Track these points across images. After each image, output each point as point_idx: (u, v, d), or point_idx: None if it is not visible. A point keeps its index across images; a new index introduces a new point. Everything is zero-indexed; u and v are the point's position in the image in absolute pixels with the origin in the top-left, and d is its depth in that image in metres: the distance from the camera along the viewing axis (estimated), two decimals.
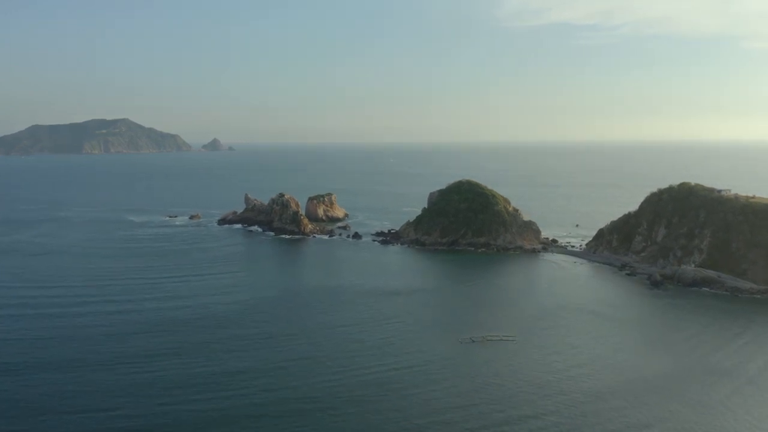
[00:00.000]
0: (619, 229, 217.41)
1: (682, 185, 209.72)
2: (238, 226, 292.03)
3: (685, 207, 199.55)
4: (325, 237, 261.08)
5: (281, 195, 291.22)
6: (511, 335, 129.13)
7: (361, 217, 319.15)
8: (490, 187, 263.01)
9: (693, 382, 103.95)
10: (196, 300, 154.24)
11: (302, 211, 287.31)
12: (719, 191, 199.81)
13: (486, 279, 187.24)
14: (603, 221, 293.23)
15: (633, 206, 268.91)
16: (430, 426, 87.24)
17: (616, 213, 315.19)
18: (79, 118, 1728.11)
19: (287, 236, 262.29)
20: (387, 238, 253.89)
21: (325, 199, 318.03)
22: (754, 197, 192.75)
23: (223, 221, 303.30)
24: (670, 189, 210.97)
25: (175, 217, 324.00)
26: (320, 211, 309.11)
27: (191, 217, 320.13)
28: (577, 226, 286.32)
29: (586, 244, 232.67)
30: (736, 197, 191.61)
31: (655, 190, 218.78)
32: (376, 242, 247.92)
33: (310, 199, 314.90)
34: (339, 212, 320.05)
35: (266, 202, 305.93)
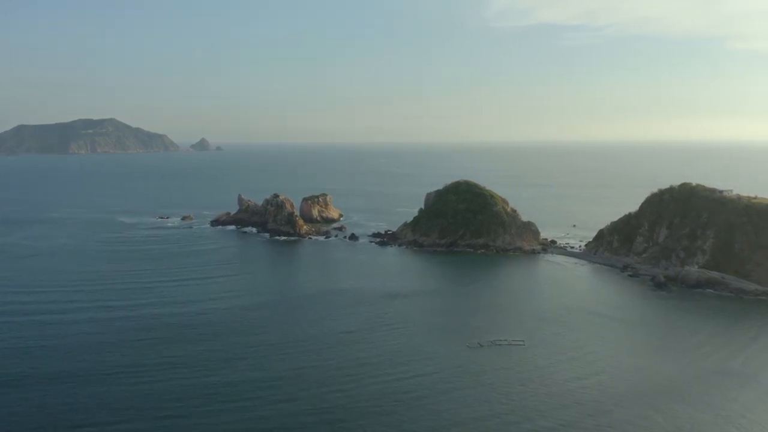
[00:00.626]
0: (620, 230, 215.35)
1: (683, 186, 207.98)
2: (232, 227, 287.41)
3: (686, 208, 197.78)
4: (321, 238, 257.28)
5: (276, 196, 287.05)
6: (519, 339, 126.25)
7: (356, 218, 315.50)
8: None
9: (712, 388, 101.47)
10: (195, 305, 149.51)
11: (297, 212, 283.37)
12: (721, 192, 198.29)
13: (488, 281, 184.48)
14: (598, 221, 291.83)
15: (626, 206, 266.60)
16: None
17: (610, 213, 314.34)
18: (66, 118, 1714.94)
19: (282, 238, 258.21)
20: (384, 239, 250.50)
21: (320, 200, 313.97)
22: (756, 198, 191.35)
23: (216, 222, 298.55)
24: (671, 189, 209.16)
25: (167, 218, 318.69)
26: (315, 212, 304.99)
27: (183, 218, 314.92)
28: (574, 226, 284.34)
29: (586, 245, 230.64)
30: (739, 198, 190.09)
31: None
32: (373, 243, 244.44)
33: (305, 199, 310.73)
34: (334, 213, 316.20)
35: (259, 203, 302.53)
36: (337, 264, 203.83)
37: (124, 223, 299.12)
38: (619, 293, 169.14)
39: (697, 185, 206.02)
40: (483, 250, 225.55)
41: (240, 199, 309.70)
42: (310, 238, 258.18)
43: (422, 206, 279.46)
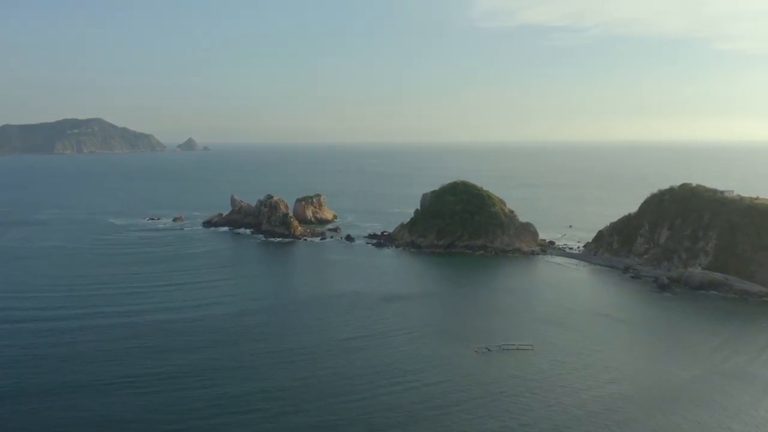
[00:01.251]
0: (620, 231, 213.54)
1: (683, 186, 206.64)
2: (225, 228, 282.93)
3: (687, 208, 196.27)
4: (317, 240, 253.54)
5: (269, 196, 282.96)
6: (527, 344, 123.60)
7: (350, 219, 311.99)
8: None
9: (738, 395, 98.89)
10: (191, 311, 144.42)
11: (291, 213, 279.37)
12: (722, 192, 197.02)
13: (489, 283, 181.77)
14: (594, 222, 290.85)
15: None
16: None
17: (605, 213, 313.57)
18: (51, 118, 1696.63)
19: (277, 239, 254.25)
20: (381, 240, 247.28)
21: (314, 201, 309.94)
22: (757, 198, 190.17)
23: (208, 223, 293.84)
24: (671, 190, 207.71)
25: (158, 219, 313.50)
26: (309, 213, 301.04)
27: (174, 220, 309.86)
28: (570, 227, 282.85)
29: (584, 246, 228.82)
30: (740, 198, 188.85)
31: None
32: (369, 245, 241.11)
33: (298, 200, 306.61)
34: (328, 214, 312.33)
35: (251, 204, 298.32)
36: (335, 266, 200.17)
37: (115, 225, 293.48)
38: (623, 295, 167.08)
39: (698, 186, 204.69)
40: (481, 252, 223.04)
41: (233, 200, 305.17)
42: (306, 239, 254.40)
43: (418, 207, 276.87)
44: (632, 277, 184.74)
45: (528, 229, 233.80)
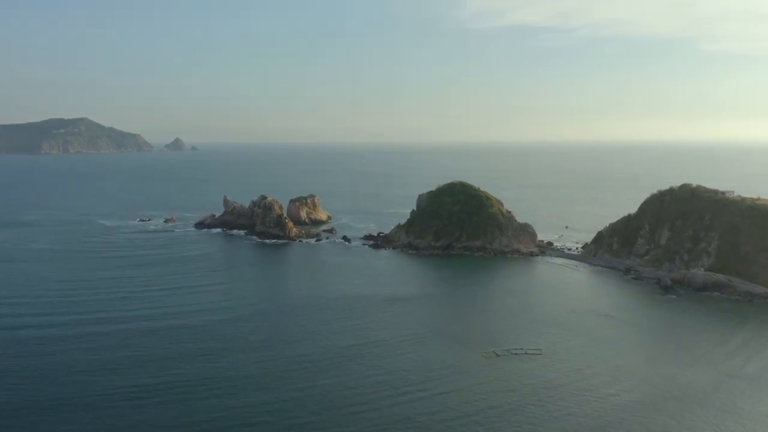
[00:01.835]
0: (620, 232, 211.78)
1: (684, 186, 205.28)
2: (218, 230, 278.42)
3: (688, 209, 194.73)
4: (312, 241, 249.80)
5: (263, 197, 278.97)
6: (535, 348, 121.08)
7: (344, 220, 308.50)
8: None
9: (764, 398, 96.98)
10: (188, 317, 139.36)
11: (285, 214, 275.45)
12: (723, 193, 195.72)
13: (490, 285, 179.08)
14: (590, 223, 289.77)
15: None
16: None
17: (600, 214, 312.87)
18: (37, 118, 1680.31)
19: (272, 241, 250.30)
20: (377, 241, 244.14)
21: (308, 201, 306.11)
22: (759, 199, 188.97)
23: (200, 225, 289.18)
24: (671, 191, 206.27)
25: (149, 220, 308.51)
26: (303, 214, 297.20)
27: (166, 221, 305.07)
28: (566, 227, 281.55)
29: (583, 247, 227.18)
30: (742, 199, 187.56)
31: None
32: (366, 246, 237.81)
33: (292, 201, 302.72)
34: (322, 215, 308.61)
35: (245, 205, 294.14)
36: (332, 268, 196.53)
37: (105, 226, 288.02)
38: (627, 297, 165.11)
39: (698, 186, 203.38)
40: (480, 253, 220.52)
41: (225, 201, 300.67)
42: (301, 241, 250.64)
43: (413, 207, 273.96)
44: (634, 279, 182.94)
45: (526, 230, 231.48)
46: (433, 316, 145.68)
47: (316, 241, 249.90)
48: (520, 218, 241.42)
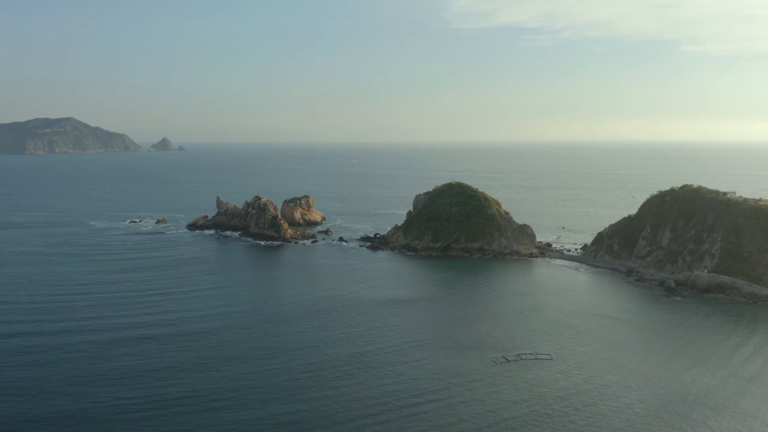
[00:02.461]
0: (620, 233, 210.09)
1: (685, 188, 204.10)
2: (211, 231, 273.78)
3: (690, 210, 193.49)
4: (308, 242, 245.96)
5: (257, 198, 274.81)
6: (545, 353, 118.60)
7: (339, 221, 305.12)
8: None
9: None
10: (187, 324, 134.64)
11: (280, 215, 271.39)
12: (724, 194, 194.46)
13: (492, 287, 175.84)
14: (586, 223, 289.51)
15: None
16: None
17: (597, 215, 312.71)
18: (22, 117, 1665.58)
19: (267, 242, 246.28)
20: (374, 243, 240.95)
21: (302, 202, 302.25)
22: (761, 200, 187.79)
23: (193, 226, 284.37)
24: (672, 191, 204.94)
25: (140, 221, 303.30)
26: (297, 215, 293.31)
27: (157, 222, 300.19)
28: (563, 228, 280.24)
29: (582, 248, 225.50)
30: (744, 200, 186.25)
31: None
32: (363, 247, 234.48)
33: (286, 202, 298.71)
34: (316, 216, 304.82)
35: (236, 206, 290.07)
36: (331, 271, 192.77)
37: (95, 228, 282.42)
38: (632, 299, 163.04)
39: (699, 187, 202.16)
40: (479, 254, 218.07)
41: (218, 202, 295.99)
42: (296, 242, 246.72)
43: (407, 208, 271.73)
44: (636, 281, 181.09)
45: (525, 232, 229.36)
46: (438, 320, 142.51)
47: (312, 242, 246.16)
48: (515, 219, 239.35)
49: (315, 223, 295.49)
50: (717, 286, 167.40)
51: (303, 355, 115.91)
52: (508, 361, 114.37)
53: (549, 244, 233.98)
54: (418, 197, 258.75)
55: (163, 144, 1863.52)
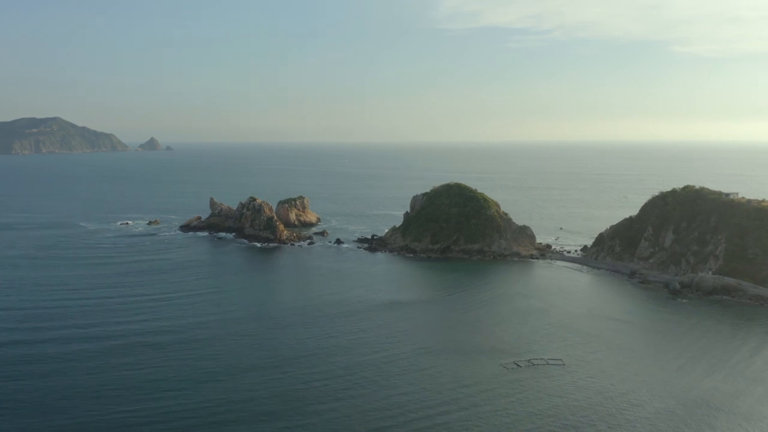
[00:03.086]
0: (622, 235, 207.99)
1: (687, 188, 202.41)
2: (204, 233, 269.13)
3: (693, 211, 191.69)
4: (304, 244, 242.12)
5: (252, 199, 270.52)
6: (556, 358, 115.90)
7: (334, 222, 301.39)
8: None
9: None
10: (187, 333, 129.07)
11: (275, 216, 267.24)
12: (727, 194, 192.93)
13: (495, 289, 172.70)
14: (584, 224, 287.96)
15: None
16: None
17: (593, 216, 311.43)
18: (7, 117, 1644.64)
19: (262, 244, 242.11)
20: (372, 244, 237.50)
21: (297, 203, 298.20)
22: (765, 201, 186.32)
23: (186, 228, 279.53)
24: (674, 193, 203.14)
25: (132, 223, 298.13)
26: (292, 216, 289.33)
27: (150, 223, 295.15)
28: (561, 229, 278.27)
29: (582, 249, 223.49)
30: (748, 201, 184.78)
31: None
32: (361, 249, 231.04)
33: (281, 203, 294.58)
34: (312, 217, 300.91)
35: (230, 207, 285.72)
36: (331, 274, 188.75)
37: (87, 230, 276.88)
38: (638, 301, 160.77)
39: (702, 188, 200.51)
40: (479, 256, 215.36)
41: (212, 203, 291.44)
42: (293, 244, 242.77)
43: (404, 209, 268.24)
44: (640, 282, 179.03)
45: (525, 233, 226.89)
46: (444, 324, 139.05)
47: (308, 244, 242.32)
48: (513, 220, 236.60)
49: (310, 225, 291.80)
50: (722, 288, 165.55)
51: (308, 364, 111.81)
52: (520, 367, 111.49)
53: (549, 246, 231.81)
54: (415, 198, 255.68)
55: (151, 144, 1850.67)
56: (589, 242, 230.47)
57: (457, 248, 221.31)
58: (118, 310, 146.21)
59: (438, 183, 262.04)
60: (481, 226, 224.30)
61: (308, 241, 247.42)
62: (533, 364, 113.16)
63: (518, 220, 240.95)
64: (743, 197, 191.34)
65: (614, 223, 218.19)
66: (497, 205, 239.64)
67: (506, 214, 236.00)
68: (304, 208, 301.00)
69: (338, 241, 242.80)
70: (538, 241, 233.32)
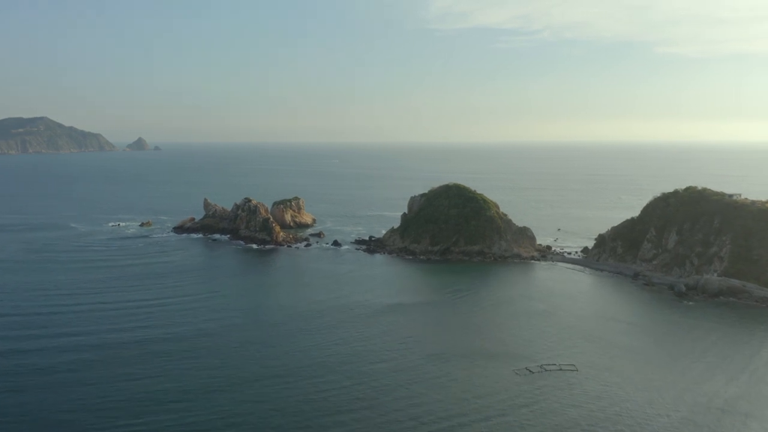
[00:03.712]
0: (623, 236, 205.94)
1: (689, 189, 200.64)
2: (198, 234, 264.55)
3: (696, 212, 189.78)
4: (301, 246, 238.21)
5: (248, 200, 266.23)
6: (568, 363, 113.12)
7: (329, 223, 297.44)
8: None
9: None
10: (185, 342, 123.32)
11: (271, 218, 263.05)
12: (730, 196, 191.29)
13: (498, 292, 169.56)
14: (582, 225, 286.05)
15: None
16: None
17: (592, 217, 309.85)
18: None
19: (258, 246, 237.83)
20: (370, 246, 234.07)
21: (293, 204, 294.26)
22: None
23: (179, 229, 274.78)
24: (677, 193, 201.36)
25: (123, 224, 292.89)
26: (288, 217, 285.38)
27: (142, 225, 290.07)
28: (559, 230, 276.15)
29: (583, 251, 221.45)
30: (752, 202, 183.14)
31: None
32: (359, 251, 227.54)
33: (276, 203, 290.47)
34: (307, 218, 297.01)
35: (225, 208, 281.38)
36: (331, 277, 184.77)
37: (78, 231, 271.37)
38: (644, 304, 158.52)
39: (704, 189, 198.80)
40: (480, 258, 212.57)
41: (206, 204, 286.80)
42: (289, 246, 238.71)
43: (402, 210, 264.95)
44: (645, 284, 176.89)
45: (525, 234, 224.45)
46: (450, 328, 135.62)
47: (305, 246, 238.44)
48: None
49: (306, 226, 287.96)
50: (728, 289, 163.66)
51: (312, 374, 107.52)
52: (533, 373, 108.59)
53: (549, 247, 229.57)
54: (413, 199, 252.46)
55: (139, 144, 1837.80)
56: (588, 243, 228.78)
57: (457, 250, 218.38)
58: (114, 317, 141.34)
59: (431, 183, 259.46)
60: (481, 227, 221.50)
61: (305, 242, 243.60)
62: (546, 370, 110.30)
63: (515, 221, 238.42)
64: (746, 198, 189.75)
65: (611, 224, 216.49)
66: (497, 206, 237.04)
67: (506, 215, 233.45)
68: (299, 209, 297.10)
69: (336, 243, 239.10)
70: (539, 242, 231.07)
